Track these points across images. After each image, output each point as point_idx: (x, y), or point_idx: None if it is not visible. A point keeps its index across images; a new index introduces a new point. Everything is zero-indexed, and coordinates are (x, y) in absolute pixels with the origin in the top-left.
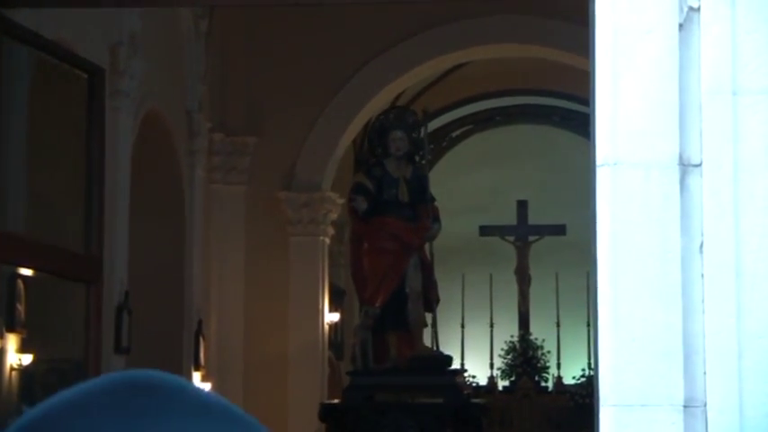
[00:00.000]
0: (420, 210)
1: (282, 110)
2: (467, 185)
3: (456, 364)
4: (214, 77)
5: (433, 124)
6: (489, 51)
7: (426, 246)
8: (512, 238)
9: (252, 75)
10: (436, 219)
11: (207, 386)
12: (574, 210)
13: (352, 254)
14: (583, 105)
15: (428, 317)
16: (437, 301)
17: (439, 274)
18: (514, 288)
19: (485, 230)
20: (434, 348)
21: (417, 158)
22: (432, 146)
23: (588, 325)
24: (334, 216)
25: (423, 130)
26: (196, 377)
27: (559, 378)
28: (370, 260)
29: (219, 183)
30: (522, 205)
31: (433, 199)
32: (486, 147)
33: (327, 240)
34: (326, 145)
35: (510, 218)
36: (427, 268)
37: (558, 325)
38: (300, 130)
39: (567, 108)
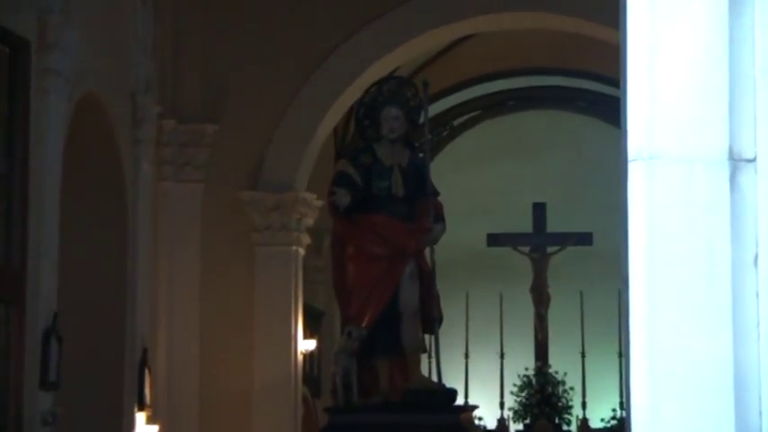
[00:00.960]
0: (419, 206)
1: (248, 92)
2: (472, 184)
3: (460, 401)
4: (165, 52)
5: (432, 109)
6: (499, 21)
7: (426, 251)
8: (527, 249)
9: (211, 49)
10: (439, 217)
11: (153, 431)
12: (602, 214)
13: (334, 261)
14: (613, 87)
15: (427, 340)
16: (439, 320)
17: (440, 291)
18: (530, 310)
19: (494, 239)
20: (435, 380)
21: (417, 144)
22: (430, 136)
23: (620, 355)
24: (310, 222)
25: (423, 106)
26: (140, 419)
27: (585, 420)
28: (356, 269)
29: (170, 180)
30: (540, 209)
31: (436, 192)
32: (495, 137)
33: (302, 251)
34: (301, 134)
35: (525, 224)
36: (427, 279)
37: (582, 355)
38: (269, 117)
39: (595, 91)
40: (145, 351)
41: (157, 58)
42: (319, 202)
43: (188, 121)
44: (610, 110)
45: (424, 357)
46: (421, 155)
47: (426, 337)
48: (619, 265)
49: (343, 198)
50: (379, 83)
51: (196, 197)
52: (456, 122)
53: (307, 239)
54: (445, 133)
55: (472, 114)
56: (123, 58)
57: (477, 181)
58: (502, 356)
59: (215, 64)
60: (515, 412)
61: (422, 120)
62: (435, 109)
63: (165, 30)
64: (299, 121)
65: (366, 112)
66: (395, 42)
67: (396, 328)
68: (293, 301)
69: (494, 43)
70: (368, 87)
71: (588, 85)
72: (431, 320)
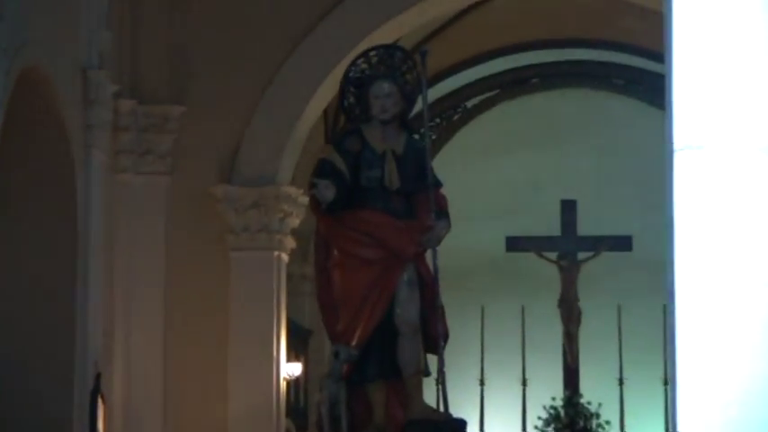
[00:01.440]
0: (418, 200)
1: (220, 67)
2: (488, 178)
3: None
4: (122, 21)
5: (440, 89)
6: None
7: (428, 254)
8: (553, 255)
9: (177, 17)
10: (442, 213)
11: None
12: (643, 214)
13: (317, 268)
14: (656, 62)
15: (431, 361)
16: (445, 337)
17: (448, 306)
18: (557, 327)
19: (514, 243)
20: (440, 409)
21: (418, 130)
22: (438, 120)
23: (665, 382)
24: (295, 222)
25: (420, 77)
26: None
27: None
28: (343, 276)
29: (129, 172)
30: (569, 207)
31: (439, 183)
32: (516, 122)
33: (285, 257)
34: (284, 118)
35: (551, 225)
36: (429, 289)
37: (620, 382)
38: (246, 97)
39: (634, 66)
40: (98, 376)
41: (114, 28)
42: (306, 199)
43: (150, 102)
44: (652, 89)
45: (428, 382)
46: (418, 137)
47: (430, 358)
48: (663, 275)
49: (327, 191)
50: (367, 52)
51: (160, 192)
52: (469, 104)
53: (291, 243)
54: (456, 117)
55: (488, 95)
56: (72, 27)
57: (495, 174)
58: (524, 383)
59: (181, 34)
60: None
61: (421, 96)
62: (444, 88)
63: None
64: (281, 103)
65: (352, 89)
66: (395, 8)
67: (392, 348)
68: (275, 316)
69: (513, 9)
70: (354, 58)
71: (626, 60)
72: (434, 338)
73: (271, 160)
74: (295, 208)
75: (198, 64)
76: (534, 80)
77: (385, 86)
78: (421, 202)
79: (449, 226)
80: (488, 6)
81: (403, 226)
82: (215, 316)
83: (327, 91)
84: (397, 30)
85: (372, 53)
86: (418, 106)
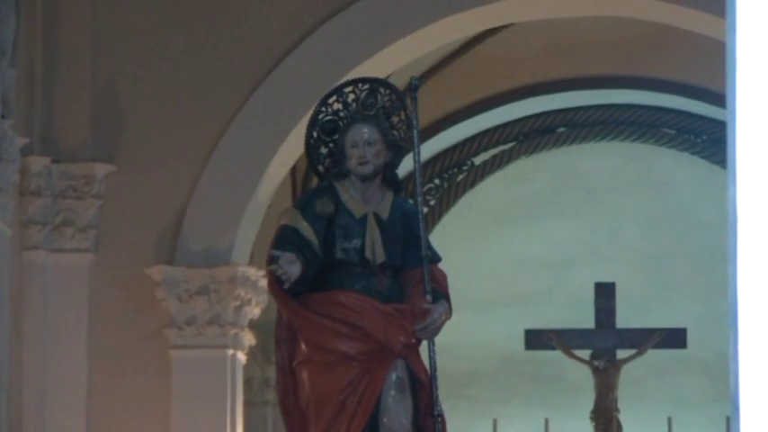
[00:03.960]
0: (409, 278)
1: (160, 116)
2: (502, 255)
3: None
4: (33, 55)
5: (441, 141)
6: (542, 6)
7: (423, 348)
8: (586, 354)
9: (104, 52)
10: (441, 295)
11: None
12: (700, 301)
13: (279, 367)
14: (718, 107)
15: None
16: None
17: (451, 418)
18: None
19: (536, 339)
20: None
21: (404, 186)
22: (437, 181)
23: None
24: (255, 312)
25: (411, 119)
26: None
27: None
28: (313, 378)
29: (41, 249)
30: (606, 292)
31: (436, 257)
32: (537, 183)
33: (242, 357)
34: (240, 180)
35: (583, 316)
36: (424, 392)
37: None
38: (193, 153)
39: (690, 112)
40: None
41: (21, 65)
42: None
43: (68, 160)
44: (712, 142)
45: None
46: (409, 198)
47: None
48: (725, 379)
49: (291, 267)
50: (341, 88)
51: (81, 275)
52: (477, 160)
53: (251, 339)
54: (461, 177)
55: (502, 148)
56: None
57: (510, 250)
58: None
59: (109, 75)
60: None
61: (412, 138)
62: (446, 140)
63: (35, 24)
64: (236, 160)
65: (323, 136)
66: (381, 41)
67: None
68: None
69: (533, 40)
70: (323, 97)
71: (680, 104)
72: None
73: (224, 233)
74: (255, 294)
75: (130, 111)
76: (560, 130)
77: (365, 132)
78: (413, 280)
79: (450, 312)
80: (501, 37)
81: (390, 311)
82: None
83: (296, 143)
84: (384, 67)
85: (348, 89)
86: (409, 160)
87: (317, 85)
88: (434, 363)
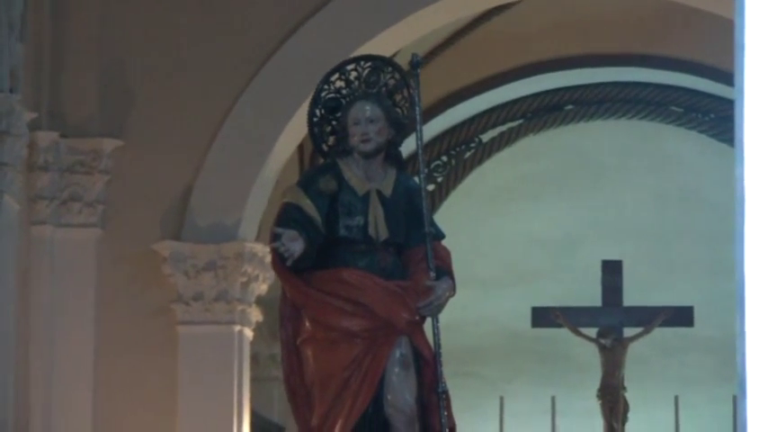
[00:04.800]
0: (412, 255)
1: (168, 91)
2: (508, 232)
3: None
4: (41, 30)
5: (448, 119)
6: None
7: (427, 325)
8: (593, 332)
9: (110, 27)
10: (445, 271)
11: None
12: (707, 279)
13: (284, 345)
14: (725, 85)
15: None
16: (452, 430)
17: (456, 397)
18: (597, 423)
19: (542, 316)
20: None
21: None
22: (444, 158)
23: None
24: (262, 289)
25: (413, 96)
26: None
27: None
28: (317, 355)
29: (48, 223)
30: (613, 270)
31: (440, 234)
32: (545, 160)
33: (249, 333)
34: (248, 155)
35: (590, 294)
36: (428, 369)
37: None
38: (200, 129)
39: (697, 90)
40: None
41: (30, 40)
42: None
43: (76, 135)
44: (720, 119)
45: None
46: (416, 177)
47: None
48: (732, 358)
49: (293, 244)
50: (343, 66)
51: (88, 250)
52: (484, 138)
53: (257, 315)
54: (468, 154)
55: (509, 125)
56: None
57: (517, 228)
58: None
59: (116, 50)
60: None
61: (414, 116)
62: (453, 118)
63: (42, 0)
64: (243, 136)
65: (325, 113)
66: (388, 18)
67: None
68: (236, 409)
69: (541, 18)
70: (326, 74)
71: (688, 82)
72: None
73: (231, 209)
74: (262, 270)
75: (138, 86)
76: (567, 107)
77: (367, 109)
78: (416, 257)
79: (454, 288)
80: (508, 14)
81: (394, 288)
82: (158, 409)
83: (303, 120)
84: (391, 45)
85: (350, 67)
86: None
87: (325, 63)
88: (438, 340)
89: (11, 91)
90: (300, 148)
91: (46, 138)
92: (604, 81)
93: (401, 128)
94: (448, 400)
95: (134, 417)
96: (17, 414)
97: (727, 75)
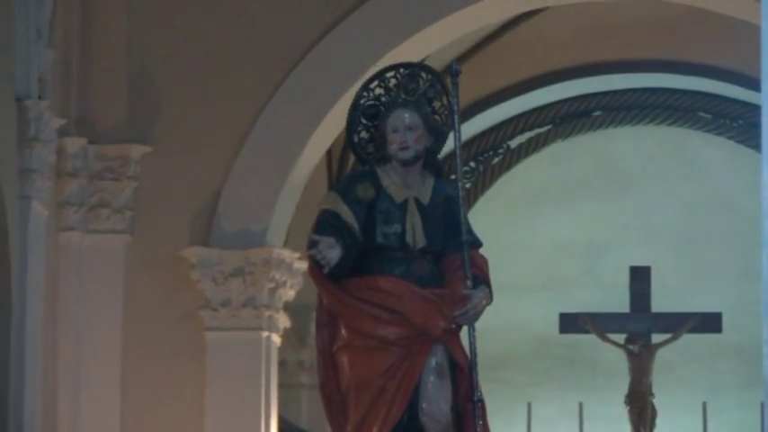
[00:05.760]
0: (449, 263)
1: (196, 98)
2: (537, 238)
3: None
4: (69, 37)
5: (476, 124)
6: None
7: (463, 333)
8: (621, 338)
9: (139, 35)
10: (481, 280)
11: None
12: (736, 285)
13: (320, 352)
14: (753, 91)
15: None
16: None
17: (486, 400)
18: (625, 428)
19: (570, 322)
20: None
21: (446, 167)
22: (473, 164)
23: None
24: (289, 295)
25: (452, 105)
26: None
27: None
28: (353, 362)
29: (77, 230)
30: (641, 276)
31: (477, 242)
32: (573, 166)
33: (277, 340)
34: (276, 161)
35: (618, 300)
36: (463, 377)
37: None
38: (228, 135)
39: (726, 97)
40: None
41: (58, 46)
42: (304, 264)
43: (104, 141)
44: (748, 126)
45: None
46: (454, 178)
47: None
48: (760, 364)
49: (330, 252)
50: (383, 73)
51: (117, 256)
52: (513, 144)
53: (285, 321)
54: (496, 160)
55: (537, 131)
56: (3, 44)
57: (545, 233)
58: None
59: (145, 56)
60: None
61: (453, 124)
62: (481, 123)
63: (72, 6)
64: (272, 142)
65: (364, 121)
66: (418, 22)
67: None
68: (263, 414)
69: (569, 23)
70: (366, 81)
71: (717, 88)
72: None
73: (259, 215)
74: (290, 276)
75: (166, 92)
76: (596, 113)
77: (406, 117)
78: (453, 265)
79: (490, 297)
80: (537, 20)
81: (430, 296)
82: (185, 415)
83: (332, 125)
84: (421, 49)
85: (390, 74)
86: (449, 145)
87: (353, 68)
88: (474, 348)
89: (39, 97)
90: (329, 153)
91: (74, 144)
92: (632, 87)
93: (439, 136)
94: (483, 408)
95: (162, 422)
96: (45, 419)
97: (756, 81)
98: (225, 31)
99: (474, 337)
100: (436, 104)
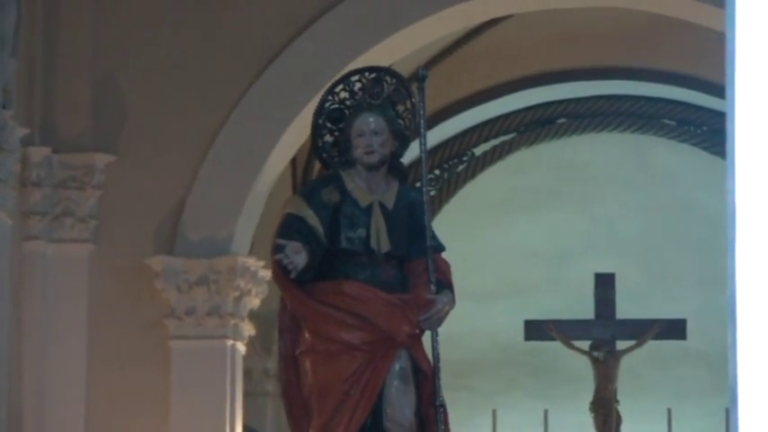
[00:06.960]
0: (413, 268)
1: (160, 107)
2: (502, 245)
3: None
4: (34, 46)
5: (441, 132)
6: None
7: (426, 338)
8: (585, 345)
9: (105, 43)
10: (445, 285)
11: None
12: (700, 292)
13: (282, 357)
14: (717, 98)
15: None
16: None
17: (449, 408)
18: None
19: (535, 329)
20: None
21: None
22: (438, 171)
23: None
24: (254, 303)
25: (418, 109)
26: None
27: None
28: (317, 367)
29: (41, 239)
30: (605, 283)
31: (441, 247)
32: (538, 173)
33: (242, 348)
34: (241, 169)
35: (583, 307)
36: (427, 383)
37: None
38: (193, 143)
39: (690, 104)
40: None
41: (22, 55)
42: (269, 273)
43: (68, 150)
44: (712, 133)
45: None
46: (420, 185)
47: None
48: (725, 370)
49: (296, 257)
50: (348, 77)
51: (81, 265)
52: (477, 151)
53: (249, 330)
54: (461, 168)
55: (502, 139)
56: None
57: (510, 241)
58: None
59: (109, 65)
60: None
61: (419, 129)
62: (446, 131)
63: (36, 15)
64: (236, 151)
65: (329, 125)
66: (386, 28)
67: None
68: (228, 423)
69: (533, 31)
70: (330, 85)
71: (681, 95)
72: None
73: (224, 224)
74: (255, 285)
75: (130, 101)
76: (560, 121)
77: (371, 121)
78: (417, 270)
79: (453, 302)
80: (501, 28)
81: (395, 301)
82: (151, 423)
83: (297, 134)
84: (386, 57)
85: (355, 78)
86: (414, 152)
87: (318, 76)
88: (437, 353)
89: (3, 106)
90: (293, 161)
91: (38, 153)
92: (597, 94)
93: (404, 140)
94: (446, 413)
95: (125, 430)
96: (9, 428)
97: (720, 87)
98: (189, 41)
99: (437, 342)
100: (400, 108)
